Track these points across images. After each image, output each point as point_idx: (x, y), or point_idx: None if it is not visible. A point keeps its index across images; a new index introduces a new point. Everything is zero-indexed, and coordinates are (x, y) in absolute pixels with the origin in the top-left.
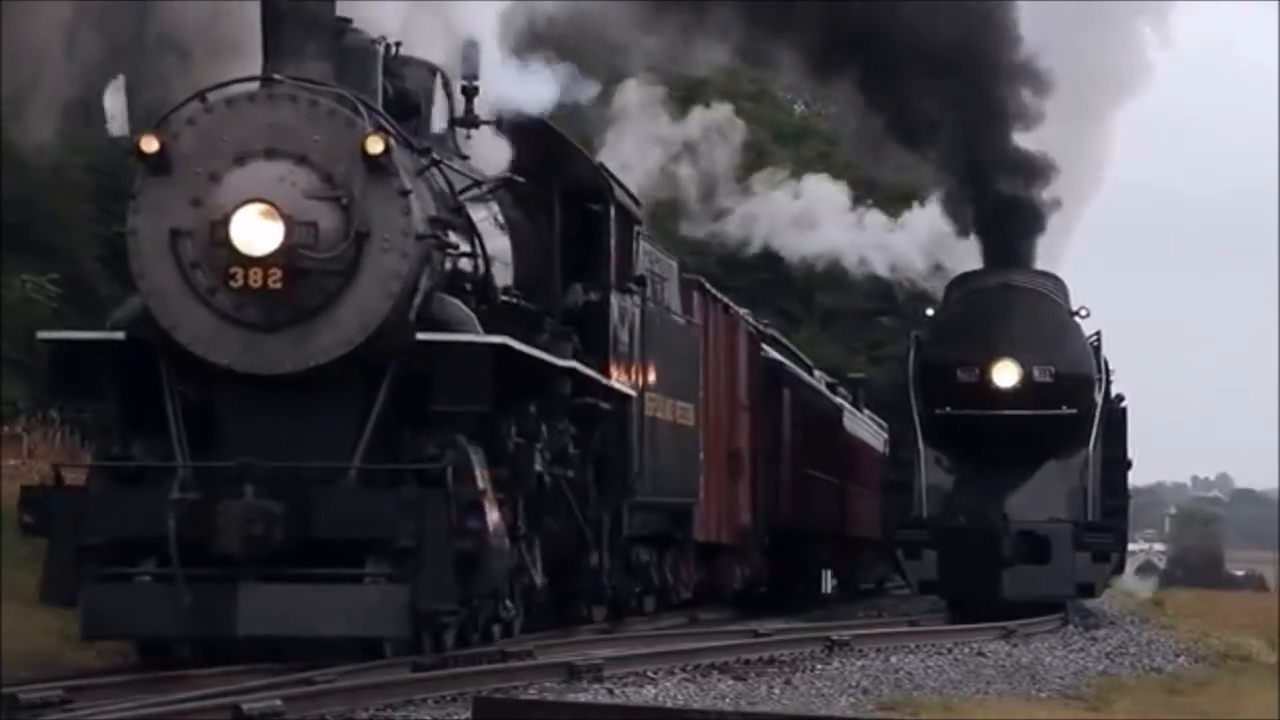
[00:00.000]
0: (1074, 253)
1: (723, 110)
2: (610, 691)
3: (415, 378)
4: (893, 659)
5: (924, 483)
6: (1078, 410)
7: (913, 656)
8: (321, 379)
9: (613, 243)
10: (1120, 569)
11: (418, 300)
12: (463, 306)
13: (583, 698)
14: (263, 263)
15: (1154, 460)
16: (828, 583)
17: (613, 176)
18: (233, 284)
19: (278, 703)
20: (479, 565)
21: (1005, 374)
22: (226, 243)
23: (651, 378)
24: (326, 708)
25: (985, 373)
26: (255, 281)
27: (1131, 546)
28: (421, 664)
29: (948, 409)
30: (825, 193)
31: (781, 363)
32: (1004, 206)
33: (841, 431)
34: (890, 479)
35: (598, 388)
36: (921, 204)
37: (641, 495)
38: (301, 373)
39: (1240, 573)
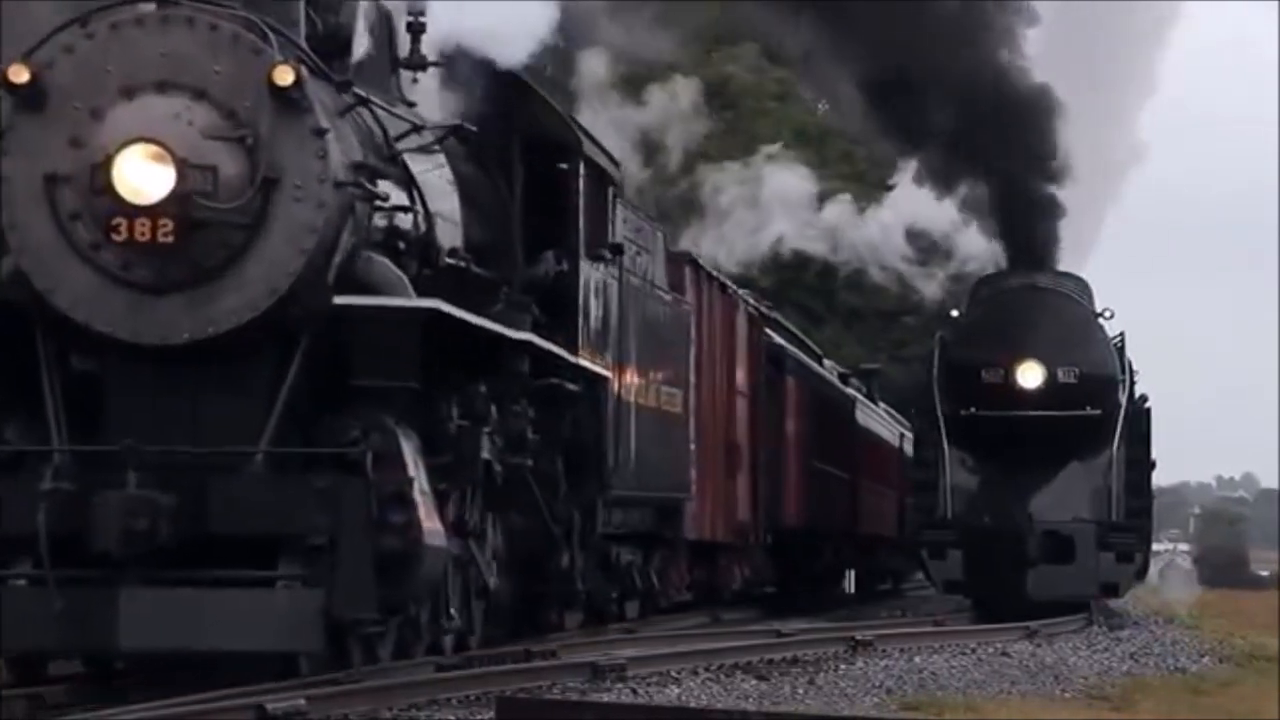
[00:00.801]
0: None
1: (687, 90)
2: (634, 691)
3: (336, 349)
4: (916, 659)
5: (949, 483)
6: (1102, 411)
7: (936, 656)
8: (224, 350)
9: (582, 204)
10: (1144, 570)
11: (338, 259)
12: (392, 267)
13: (606, 697)
14: (151, 213)
15: (1178, 460)
16: (851, 582)
17: (583, 129)
18: (116, 238)
19: (302, 702)
20: (409, 566)
21: (1030, 375)
22: (109, 189)
23: (631, 358)
24: (351, 707)
25: (1010, 373)
26: (143, 234)
27: (1156, 547)
28: (445, 664)
29: (972, 409)
30: (784, 185)
31: (785, 348)
32: (1028, 208)
33: (853, 424)
34: (915, 479)
35: (564, 367)
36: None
37: (619, 489)
38: (200, 342)
39: (1265, 573)
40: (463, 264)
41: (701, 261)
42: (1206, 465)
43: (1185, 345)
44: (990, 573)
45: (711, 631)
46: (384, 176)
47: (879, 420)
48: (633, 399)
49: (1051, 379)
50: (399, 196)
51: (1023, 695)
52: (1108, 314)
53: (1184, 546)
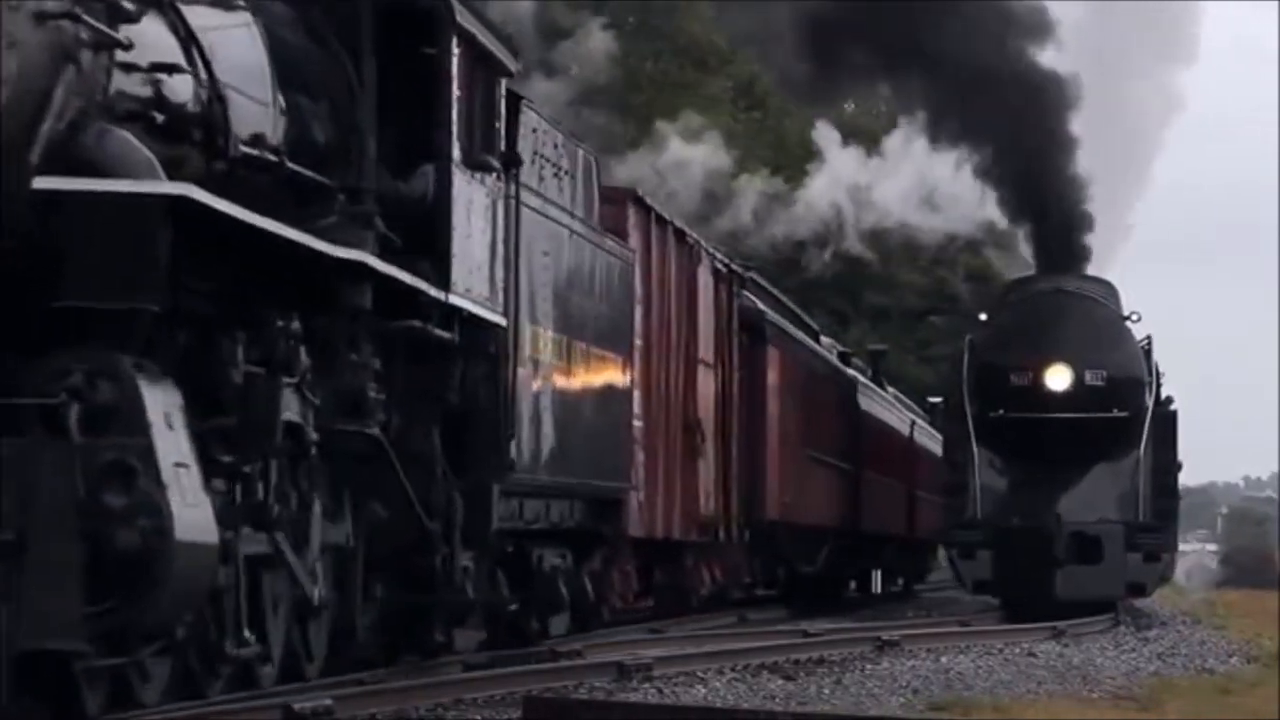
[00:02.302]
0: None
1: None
2: (660, 691)
3: (43, 256)
4: (943, 659)
5: (978, 484)
6: (1129, 413)
7: (963, 657)
8: None
9: (455, 93)
10: (1171, 570)
11: (48, 127)
12: (137, 144)
13: (632, 697)
14: None
15: (1206, 460)
16: (878, 583)
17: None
18: None
19: (329, 701)
20: (150, 571)
21: (1058, 377)
22: None
23: (544, 308)
24: (377, 706)
25: (1038, 376)
26: None
27: (1183, 547)
28: (471, 663)
29: (1001, 411)
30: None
31: (766, 314)
32: (1058, 213)
33: (855, 409)
34: (944, 480)
35: (432, 308)
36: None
37: (526, 474)
38: None
39: None
40: (274, 159)
41: (651, 202)
42: (1234, 465)
43: (1214, 344)
44: (1019, 573)
45: (738, 631)
46: (131, 19)
47: (886, 406)
48: (546, 359)
49: (1079, 382)
50: (164, 51)
51: (1050, 696)
52: (1135, 317)
53: (1211, 546)
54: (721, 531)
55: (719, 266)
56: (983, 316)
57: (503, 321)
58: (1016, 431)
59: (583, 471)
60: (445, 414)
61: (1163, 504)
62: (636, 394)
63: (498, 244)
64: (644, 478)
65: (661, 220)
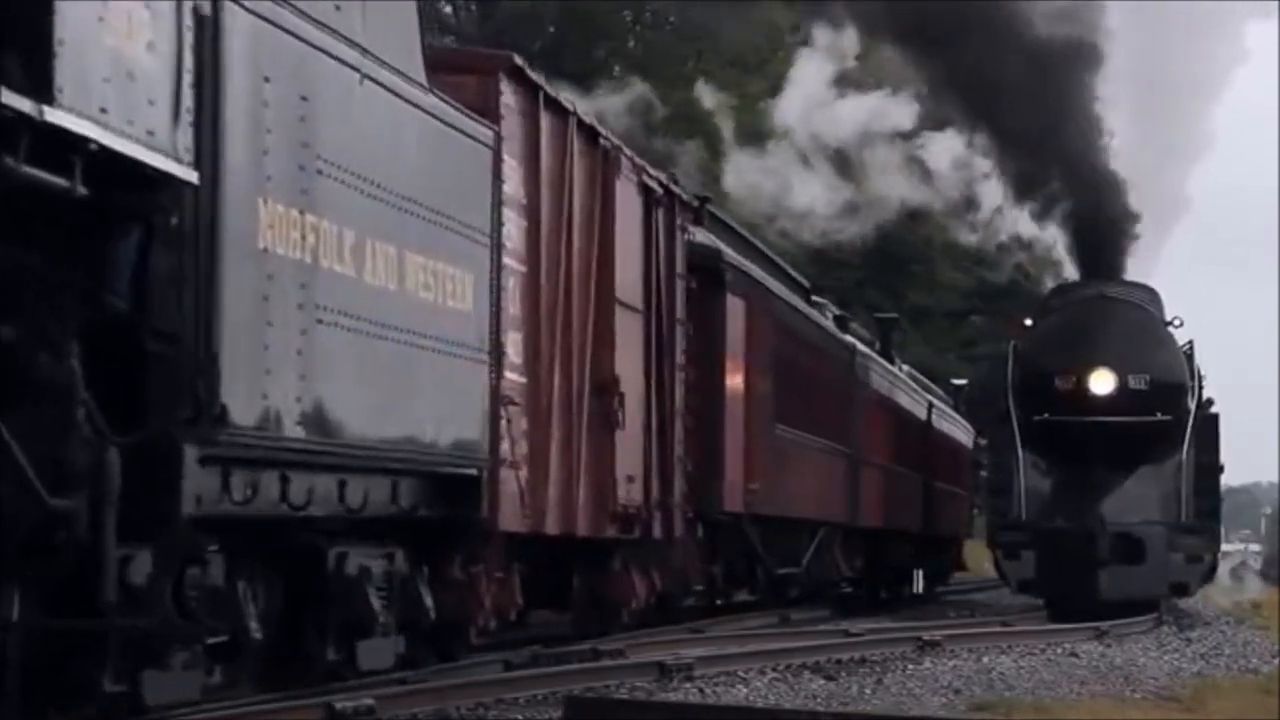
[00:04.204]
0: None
1: None
2: (701, 691)
3: None
4: (984, 659)
5: (1023, 486)
6: (1171, 417)
7: (1005, 657)
8: None
9: None
10: (1213, 570)
11: None
12: None
13: (674, 697)
14: None
15: (1250, 460)
16: (918, 582)
17: None
18: None
19: (370, 701)
20: None
21: (1101, 382)
22: None
23: (291, 172)
24: (418, 706)
25: (1082, 381)
26: None
27: (1226, 547)
28: (513, 663)
29: (1046, 415)
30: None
31: (725, 254)
32: (1102, 221)
33: (853, 381)
34: (988, 482)
35: (21, 130)
36: None
37: (251, 428)
38: None
39: None
40: None
41: (539, 78)
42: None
43: (1262, 344)
44: (1063, 573)
45: (779, 631)
46: None
47: (896, 383)
48: (303, 259)
49: (1123, 386)
50: None
51: (1092, 696)
52: (1177, 322)
53: (1255, 546)
54: (657, 526)
55: (650, 184)
56: (1027, 322)
57: (190, 177)
58: (1060, 435)
59: (395, 435)
60: (100, 327)
61: (1205, 505)
62: (513, 335)
63: (185, 54)
64: (527, 452)
65: (557, 107)
